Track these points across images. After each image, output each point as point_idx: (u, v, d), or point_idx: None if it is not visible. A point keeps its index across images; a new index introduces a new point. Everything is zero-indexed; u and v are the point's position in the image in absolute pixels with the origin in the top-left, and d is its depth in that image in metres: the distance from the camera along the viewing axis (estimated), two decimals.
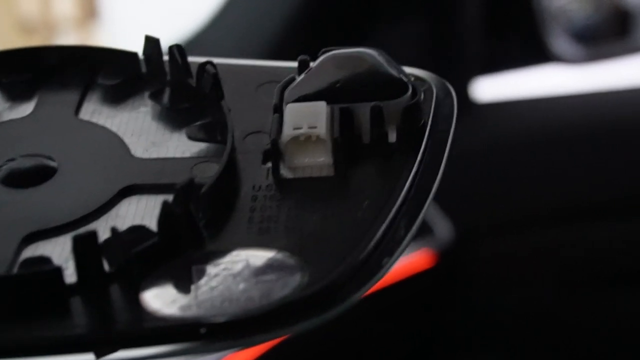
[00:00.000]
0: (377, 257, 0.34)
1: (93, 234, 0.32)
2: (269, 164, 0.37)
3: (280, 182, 0.37)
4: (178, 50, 0.41)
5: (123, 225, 0.35)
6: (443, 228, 0.96)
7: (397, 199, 0.35)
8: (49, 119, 0.41)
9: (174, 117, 0.41)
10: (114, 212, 0.36)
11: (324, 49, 0.39)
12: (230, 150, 0.37)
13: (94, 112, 0.42)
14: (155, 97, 0.42)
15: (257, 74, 0.43)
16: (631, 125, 1.04)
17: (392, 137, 0.38)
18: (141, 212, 0.36)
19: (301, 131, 0.37)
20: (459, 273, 1.01)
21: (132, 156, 0.39)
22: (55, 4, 1.39)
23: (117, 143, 0.39)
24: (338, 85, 0.38)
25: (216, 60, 0.41)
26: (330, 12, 0.98)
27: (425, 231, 0.95)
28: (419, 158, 0.37)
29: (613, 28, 1.12)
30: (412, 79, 0.39)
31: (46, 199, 0.37)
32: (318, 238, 0.34)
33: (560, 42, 1.04)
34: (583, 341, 1.01)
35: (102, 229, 0.35)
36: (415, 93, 0.38)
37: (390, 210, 0.35)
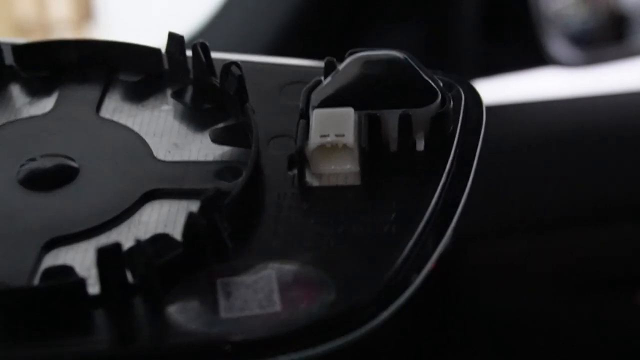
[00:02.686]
0: (405, 275, 0.33)
1: (117, 247, 0.32)
2: (295, 171, 0.36)
3: (306, 191, 0.36)
4: (202, 49, 0.40)
5: (146, 232, 0.34)
6: None
7: (424, 213, 0.35)
8: (70, 117, 0.40)
9: (196, 117, 0.40)
10: (136, 217, 0.35)
11: (350, 50, 0.38)
12: (255, 159, 0.36)
13: (115, 110, 0.41)
14: (178, 96, 0.41)
15: (281, 74, 0.42)
16: (628, 130, 1.04)
17: (420, 145, 0.37)
18: (164, 218, 0.35)
19: (328, 139, 0.36)
20: (456, 277, 1.01)
21: (154, 158, 0.38)
22: (51, 5, 1.38)
23: (139, 144, 0.39)
24: (366, 90, 0.37)
25: (240, 57, 0.40)
26: (327, 15, 0.98)
27: None
28: (447, 169, 0.36)
29: (610, 32, 1.12)
30: (441, 84, 0.38)
31: (67, 203, 0.36)
32: (344, 253, 0.34)
33: (557, 46, 1.04)
34: (577, 345, 1.01)
35: (125, 235, 0.34)
36: (444, 100, 0.37)
37: (417, 225, 0.34)
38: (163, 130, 0.39)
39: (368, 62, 0.38)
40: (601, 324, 1.01)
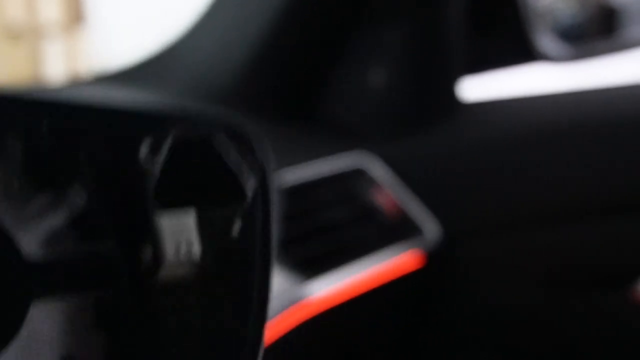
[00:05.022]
0: None
1: None
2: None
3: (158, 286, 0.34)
4: None
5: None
6: (431, 229, 0.96)
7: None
8: None
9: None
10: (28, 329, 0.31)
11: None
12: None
13: None
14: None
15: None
16: (617, 124, 1.04)
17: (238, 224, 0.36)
18: (57, 321, 0.32)
19: (181, 257, 0.34)
20: (447, 274, 1.01)
21: (26, 260, 0.32)
22: (41, 9, 1.38)
23: (3, 239, 0.32)
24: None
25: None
26: (318, 14, 0.98)
27: (414, 232, 0.95)
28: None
29: (599, 26, 1.12)
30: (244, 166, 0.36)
31: None
32: None
33: (546, 41, 1.04)
34: (569, 341, 1.02)
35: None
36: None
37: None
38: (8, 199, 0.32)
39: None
40: (592, 321, 1.01)
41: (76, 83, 1.12)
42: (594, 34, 1.11)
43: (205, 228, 0.35)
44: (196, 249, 0.35)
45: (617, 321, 1.01)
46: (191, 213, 0.35)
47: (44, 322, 0.31)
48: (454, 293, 1.01)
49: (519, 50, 1.05)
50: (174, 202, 0.35)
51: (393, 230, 0.94)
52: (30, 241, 0.32)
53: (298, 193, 0.88)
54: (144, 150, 0.34)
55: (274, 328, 0.77)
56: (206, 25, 0.98)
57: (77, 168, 0.33)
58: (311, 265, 0.84)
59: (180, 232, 0.34)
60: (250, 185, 0.36)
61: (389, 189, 0.96)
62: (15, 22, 1.37)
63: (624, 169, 1.02)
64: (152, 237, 0.34)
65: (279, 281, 0.80)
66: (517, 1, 1.02)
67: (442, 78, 1.04)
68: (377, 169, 0.97)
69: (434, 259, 0.95)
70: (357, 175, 0.96)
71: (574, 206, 1.01)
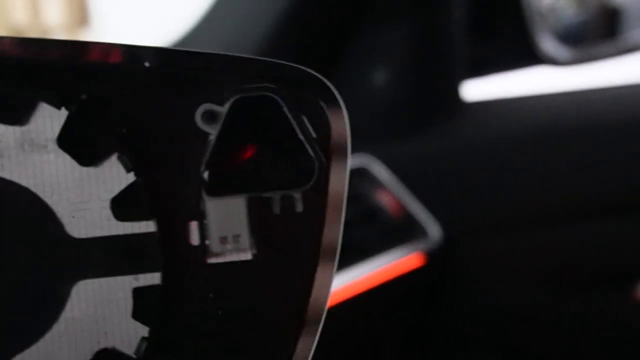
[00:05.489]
0: None
1: None
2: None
3: (203, 272, 0.33)
4: None
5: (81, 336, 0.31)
6: (433, 229, 0.96)
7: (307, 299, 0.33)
8: None
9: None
10: (67, 316, 0.31)
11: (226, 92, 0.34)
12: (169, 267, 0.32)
13: None
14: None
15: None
16: (618, 126, 1.04)
17: (299, 206, 0.33)
18: (96, 306, 0.31)
19: (228, 247, 0.33)
20: (448, 273, 1.01)
21: (69, 237, 0.31)
22: (46, 11, 1.39)
23: (44, 214, 0.31)
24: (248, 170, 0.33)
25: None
26: (319, 14, 0.98)
27: (417, 233, 0.95)
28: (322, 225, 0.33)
29: (601, 29, 1.12)
30: (312, 133, 0.33)
31: None
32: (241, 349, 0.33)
33: (548, 43, 1.04)
34: (569, 341, 1.01)
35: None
36: (316, 167, 0.33)
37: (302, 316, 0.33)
38: (58, 182, 0.31)
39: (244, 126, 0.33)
40: (592, 320, 1.01)
41: None
42: (597, 36, 1.11)
43: (259, 210, 0.33)
44: (247, 233, 0.32)
45: (617, 321, 1.01)
46: (244, 193, 0.32)
47: (83, 307, 0.31)
48: (454, 293, 1.01)
49: (521, 53, 1.05)
50: (226, 180, 0.32)
51: (396, 231, 0.94)
52: (73, 219, 0.31)
53: None
54: (198, 118, 0.32)
55: None
56: (207, 28, 0.98)
57: (120, 140, 0.31)
58: None
59: (230, 214, 0.32)
60: (316, 159, 0.33)
61: (392, 190, 0.96)
62: (20, 24, 1.38)
63: (624, 169, 1.02)
64: (199, 218, 0.32)
65: None
66: (520, 3, 1.02)
67: (443, 78, 1.04)
68: (380, 170, 0.97)
69: (435, 259, 0.95)
70: (361, 176, 0.96)
71: (574, 206, 1.01)
